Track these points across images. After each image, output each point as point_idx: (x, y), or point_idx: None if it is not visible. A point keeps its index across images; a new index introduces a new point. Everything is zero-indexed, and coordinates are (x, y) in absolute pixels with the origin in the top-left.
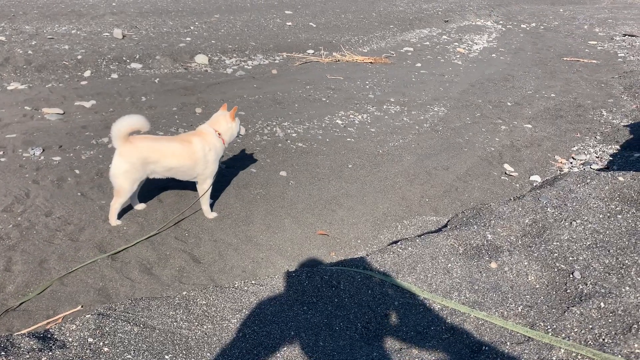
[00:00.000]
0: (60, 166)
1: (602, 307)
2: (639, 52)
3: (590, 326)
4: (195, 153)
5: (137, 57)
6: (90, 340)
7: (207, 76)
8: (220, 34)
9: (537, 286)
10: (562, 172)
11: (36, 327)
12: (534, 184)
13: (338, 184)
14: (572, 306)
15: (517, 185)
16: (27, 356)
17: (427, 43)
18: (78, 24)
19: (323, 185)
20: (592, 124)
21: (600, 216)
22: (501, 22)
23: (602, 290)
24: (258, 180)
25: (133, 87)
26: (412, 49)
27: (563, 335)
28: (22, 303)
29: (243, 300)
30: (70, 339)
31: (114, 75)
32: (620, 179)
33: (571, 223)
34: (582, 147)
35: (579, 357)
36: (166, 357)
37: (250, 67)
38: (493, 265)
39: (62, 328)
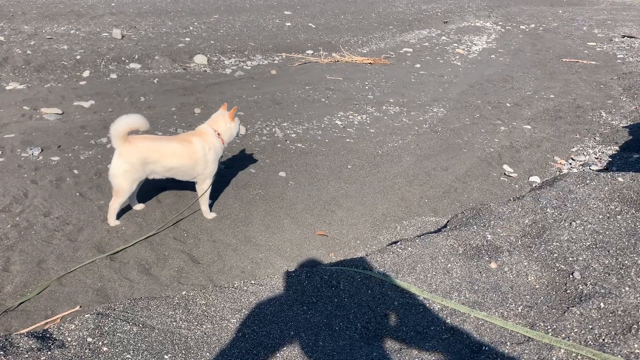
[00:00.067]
0: (59, 166)
1: (602, 307)
2: (638, 53)
3: (590, 326)
4: (195, 153)
5: (136, 57)
6: (89, 339)
7: (206, 76)
8: (220, 35)
9: (537, 286)
10: (561, 173)
11: (34, 327)
12: (533, 185)
13: (337, 185)
14: (572, 306)
15: (517, 186)
16: (26, 356)
17: (427, 44)
18: (77, 24)
19: (322, 186)
20: (592, 125)
21: (600, 217)
22: (500, 23)
23: (602, 291)
24: (257, 181)
25: (132, 87)
26: (411, 50)
27: (563, 335)
28: (21, 303)
29: (242, 300)
30: (69, 339)
31: (113, 76)
32: (620, 179)
33: (571, 223)
34: (581, 148)
35: (579, 357)
36: (165, 356)
37: (250, 67)
38: (493, 265)
39: (61, 328)
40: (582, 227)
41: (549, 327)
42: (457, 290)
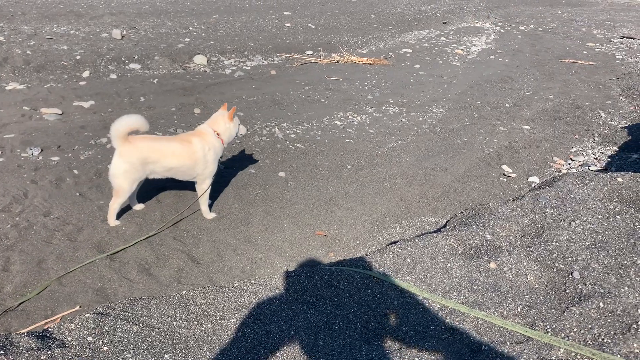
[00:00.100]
0: (59, 166)
1: (602, 307)
2: (637, 54)
3: (590, 326)
4: (195, 153)
5: (136, 57)
6: (89, 339)
7: (206, 77)
8: (219, 35)
9: (537, 286)
10: (560, 174)
11: (34, 327)
12: (532, 185)
13: (337, 185)
14: (572, 306)
15: (516, 186)
16: (27, 355)
17: (426, 44)
18: (77, 24)
19: (322, 186)
20: (591, 126)
21: (599, 217)
22: (499, 23)
23: (601, 291)
24: (257, 181)
25: (132, 88)
26: (410, 51)
27: (562, 335)
28: (21, 303)
29: (242, 299)
30: (69, 338)
31: (113, 76)
32: (619, 179)
33: (570, 223)
34: (580, 149)
35: (579, 356)
36: (165, 356)
37: (249, 67)
38: (492, 265)
39: (61, 327)
40: (582, 227)
41: (548, 327)
42: (457, 289)
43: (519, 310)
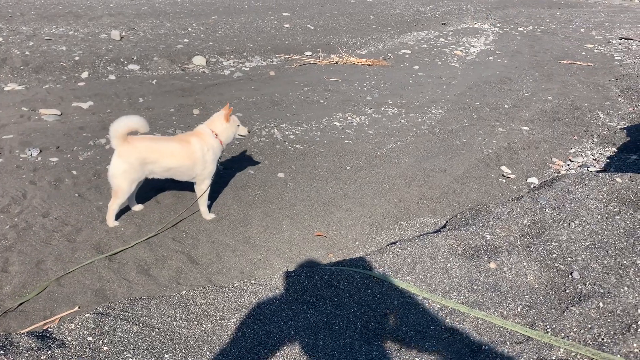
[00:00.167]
0: (58, 167)
1: (601, 307)
2: (636, 55)
3: (590, 326)
4: (194, 153)
5: (135, 58)
6: (89, 339)
7: (205, 77)
8: (218, 36)
9: (536, 286)
10: (559, 174)
11: (33, 327)
12: (532, 186)
13: (336, 186)
14: (571, 306)
15: (515, 187)
16: (27, 355)
17: (425, 45)
18: (75, 25)
19: (321, 187)
20: (589, 127)
21: (599, 217)
22: (498, 25)
23: (601, 291)
24: (256, 182)
25: (130, 89)
26: (409, 52)
27: (562, 334)
28: (20, 304)
29: (243, 299)
30: (69, 338)
31: (112, 77)
32: (618, 180)
33: (570, 224)
34: (579, 150)
35: (579, 356)
36: (166, 356)
37: (248, 68)
38: (492, 265)
39: (61, 327)
40: (581, 228)
41: (548, 327)
42: (457, 289)
43: (519, 310)
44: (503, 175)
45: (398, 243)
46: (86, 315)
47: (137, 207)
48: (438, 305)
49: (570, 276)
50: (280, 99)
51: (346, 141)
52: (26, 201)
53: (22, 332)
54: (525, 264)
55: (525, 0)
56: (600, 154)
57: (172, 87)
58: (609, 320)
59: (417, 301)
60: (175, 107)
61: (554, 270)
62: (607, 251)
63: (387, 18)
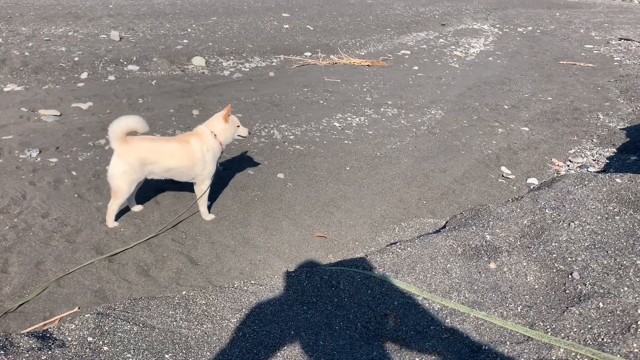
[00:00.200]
0: (57, 168)
1: (601, 307)
2: (635, 56)
3: (590, 326)
4: (193, 153)
5: (134, 59)
6: (89, 339)
7: (204, 78)
8: (218, 37)
9: (536, 286)
10: (559, 175)
11: (33, 328)
12: (531, 187)
13: (336, 186)
14: (571, 306)
15: (514, 187)
16: (27, 355)
17: (424, 46)
18: (75, 25)
19: (321, 188)
20: (589, 127)
21: (598, 217)
22: (498, 25)
23: (601, 291)
24: (255, 183)
25: (130, 89)
26: (409, 52)
27: (562, 335)
28: (20, 305)
29: (243, 299)
30: (69, 338)
31: (111, 77)
32: (618, 180)
33: (569, 224)
34: (579, 150)
35: (578, 356)
36: (166, 356)
37: (248, 69)
38: (492, 265)
39: (62, 327)
40: (581, 228)
41: (548, 327)
42: (457, 290)
43: (519, 310)
44: (503, 175)
45: (398, 243)
46: (86, 315)
47: (137, 208)
48: (438, 306)
49: (570, 276)
50: (279, 100)
51: (346, 142)
52: (26, 202)
53: (22, 332)
54: (525, 264)
55: (524, 1)
56: (600, 154)
57: (171, 88)
58: (608, 320)
59: (417, 301)
60: (175, 108)
61: (554, 270)
62: (607, 251)
63: (387, 19)
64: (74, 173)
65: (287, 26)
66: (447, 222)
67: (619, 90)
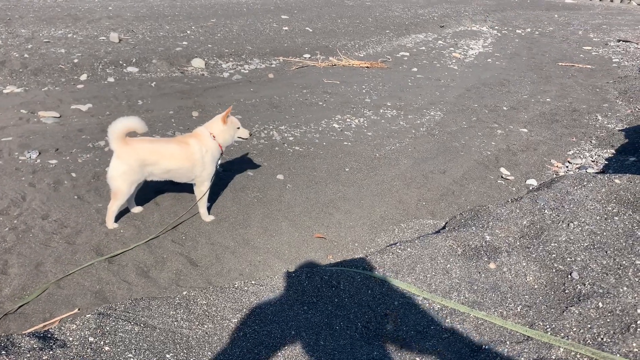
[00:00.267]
0: (57, 169)
1: (601, 307)
2: (633, 57)
3: (589, 326)
4: (193, 154)
5: (134, 60)
6: (90, 339)
7: (204, 80)
8: (217, 38)
9: (536, 286)
10: (558, 176)
11: (33, 329)
12: (530, 188)
13: (335, 188)
14: (571, 306)
15: (514, 189)
16: (28, 355)
17: (423, 48)
18: (74, 27)
19: (320, 189)
20: (588, 129)
21: (598, 218)
22: (496, 27)
23: (600, 291)
24: (255, 184)
25: (129, 91)
26: (408, 54)
27: (562, 334)
28: (20, 307)
29: (243, 300)
30: (70, 338)
31: (111, 79)
32: (617, 181)
33: (569, 224)
34: (577, 151)
35: (578, 356)
36: (167, 356)
37: (247, 71)
38: (492, 265)
39: (63, 328)
40: (580, 228)
41: (548, 327)
42: (457, 290)
43: (519, 310)
44: (502, 176)
45: (398, 244)
46: (87, 315)
47: (137, 209)
48: (438, 306)
49: (569, 276)
50: (279, 101)
51: (345, 143)
52: (25, 203)
53: (23, 333)
54: (524, 264)
55: (523, 3)
56: (599, 155)
57: (171, 90)
58: (608, 320)
59: (418, 301)
60: (174, 110)
61: (554, 270)
62: (606, 252)
63: (386, 21)
64: (73, 174)
65: (286, 28)
66: (446, 223)
67: (617, 92)
